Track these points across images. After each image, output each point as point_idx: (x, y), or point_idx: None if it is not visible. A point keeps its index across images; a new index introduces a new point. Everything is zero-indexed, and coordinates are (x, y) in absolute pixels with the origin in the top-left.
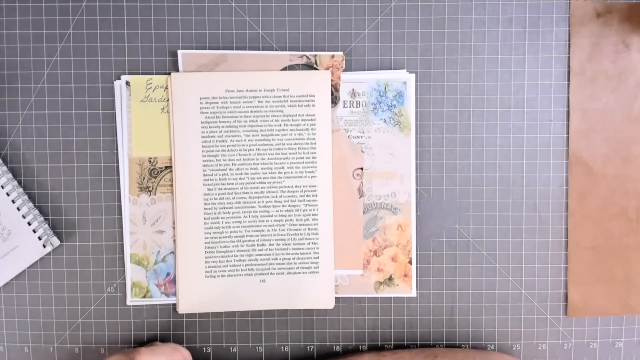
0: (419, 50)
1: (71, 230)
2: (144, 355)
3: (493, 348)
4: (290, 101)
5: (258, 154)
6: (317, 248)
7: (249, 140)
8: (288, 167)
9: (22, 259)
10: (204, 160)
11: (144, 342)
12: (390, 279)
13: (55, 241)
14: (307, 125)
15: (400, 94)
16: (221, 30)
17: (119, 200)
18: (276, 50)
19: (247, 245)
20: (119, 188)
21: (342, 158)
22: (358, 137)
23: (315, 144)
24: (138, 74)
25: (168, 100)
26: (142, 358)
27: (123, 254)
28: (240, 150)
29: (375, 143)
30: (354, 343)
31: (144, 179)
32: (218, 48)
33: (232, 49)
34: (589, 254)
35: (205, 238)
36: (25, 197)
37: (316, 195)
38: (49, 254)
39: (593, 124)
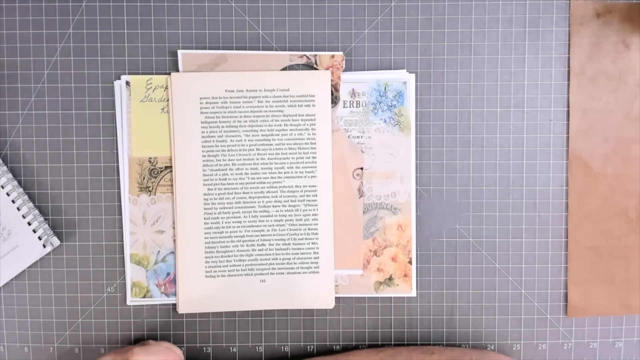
0: (419, 50)
1: (71, 230)
2: (138, 355)
3: (493, 348)
4: (290, 101)
5: (258, 154)
6: (317, 248)
7: (249, 140)
8: (288, 167)
9: (22, 259)
10: (204, 160)
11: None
12: (390, 279)
13: (55, 241)
14: (307, 125)
15: (400, 94)
16: (221, 30)
17: (119, 200)
18: (276, 50)
19: (247, 245)
20: (119, 188)
21: (342, 158)
22: (358, 137)
23: (315, 144)
24: (138, 74)
25: (168, 100)
26: (136, 358)
27: (123, 254)
28: (240, 150)
29: (375, 143)
30: (354, 343)
31: (144, 179)
32: (218, 48)
33: (232, 49)
34: (589, 254)
35: (205, 238)
36: (25, 197)
37: (316, 195)
38: (49, 254)
39: (593, 124)
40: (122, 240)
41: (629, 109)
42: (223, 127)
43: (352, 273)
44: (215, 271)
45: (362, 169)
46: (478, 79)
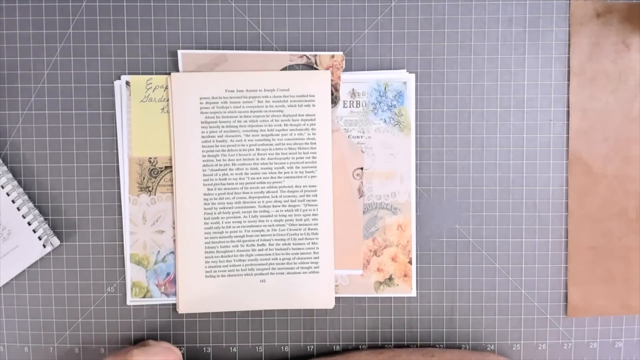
0: (419, 50)
1: (71, 230)
2: (137, 356)
3: (493, 348)
4: (290, 101)
5: (258, 154)
6: (317, 248)
7: (249, 140)
8: (288, 167)
9: (22, 259)
10: (204, 160)
11: (142, 340)
12: (390, 279)
13: (55, 241)
14: (307, 125)
15: (400, 94)
16: (221, 30)
17: (119, 200)
18: (276, 50)
19: (247, 245)
20: (119, 188)
21: (342, 158)
22: (358, 137)
23: (315, 144)
24: (138, 74)
25: (168, 100)
26: (135, 359)
27: (123, 254)
28: (240, 150)
29: (375, 143)
30: (354, 343)
31: (144, 179)
32: (218, 48)
33: (232, 49)
34: (589, 254)
35: (205, 238)
36: (25, 197)
37: (316, 195)
38: (49, 254)
39: (593, 124)
40: (122, 240)
41: (629, 109)
42: (223, 127)
43: (352, 273)
44: (215, 271)
45: (362, 169)
46: (478, 79)
